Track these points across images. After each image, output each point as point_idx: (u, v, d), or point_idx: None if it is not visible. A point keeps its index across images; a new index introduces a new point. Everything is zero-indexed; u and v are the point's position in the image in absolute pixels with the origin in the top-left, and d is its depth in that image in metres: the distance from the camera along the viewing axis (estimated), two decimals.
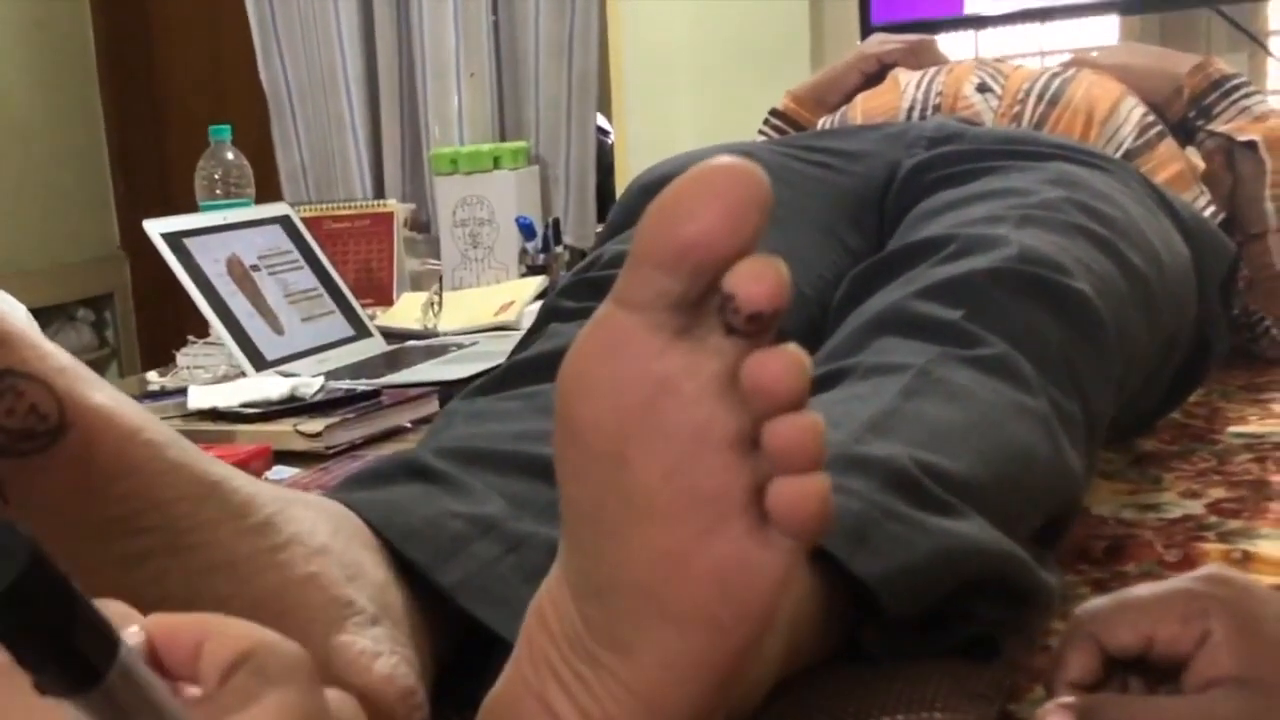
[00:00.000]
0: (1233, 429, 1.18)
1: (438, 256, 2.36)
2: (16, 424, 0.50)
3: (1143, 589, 0.57)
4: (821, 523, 0.45)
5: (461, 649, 0.66)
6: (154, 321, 3.53)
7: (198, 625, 0.38)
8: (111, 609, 0.35)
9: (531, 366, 0.88)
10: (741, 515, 0.46)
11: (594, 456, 0.48)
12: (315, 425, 1.25)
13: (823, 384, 0.79)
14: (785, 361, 0.44)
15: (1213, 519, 0.93)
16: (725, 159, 0.44)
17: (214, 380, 1.55)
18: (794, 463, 0.45)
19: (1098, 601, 0.58)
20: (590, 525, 0.49)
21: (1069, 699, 0.55)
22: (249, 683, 0.34)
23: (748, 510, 0.46)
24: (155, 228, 1.73)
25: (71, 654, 0.28)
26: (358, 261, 2.16)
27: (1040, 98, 1.40)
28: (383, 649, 0.58)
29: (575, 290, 0.99)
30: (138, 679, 0.30)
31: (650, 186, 1.10)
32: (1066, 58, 1.62)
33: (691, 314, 0.46)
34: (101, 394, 0.53)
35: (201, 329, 1.71)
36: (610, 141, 2.61)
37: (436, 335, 1.80)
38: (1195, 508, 0.96)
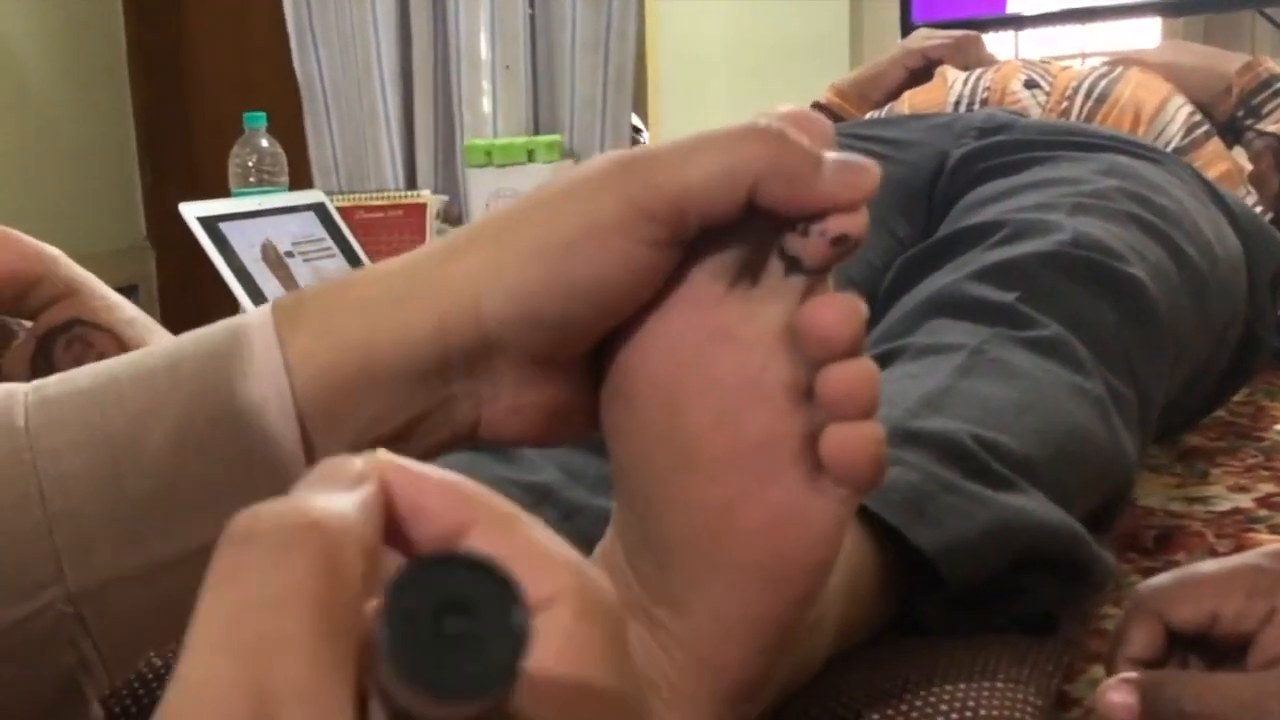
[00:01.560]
0: (1279, 427, 1.16)
1: None
2: None
3: (1207, 565, 0.56)
4: (875, 470, 0.44)
5: None
6: (179, 314, 3.51)
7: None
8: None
9: None
10: (794, 464, 0.45)
11: (645, 407, 0.47)
12: None
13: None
14: (841, 308, 0.44)
15: (1263, 512, 0.92)
16: (783, 108, 0.44)
17: None
18: (848, 409, 0.44)
19: (1161, 577, 0.57)
20: (641, 479, 0.48)
21: (1132, 674, 0.54)
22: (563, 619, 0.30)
23: (800, 459, 0.45)
24: (191, 211, 1.73)
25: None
26: (390, 252, 2.14)
27: (1088, 95, 1.39)
28: None
29: None
30: None
31: None
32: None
33: (751, 258, 0.45)
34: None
35: None
36: (644, 141, 2.60)
37: None
38: (1244, 501, 0.95)
